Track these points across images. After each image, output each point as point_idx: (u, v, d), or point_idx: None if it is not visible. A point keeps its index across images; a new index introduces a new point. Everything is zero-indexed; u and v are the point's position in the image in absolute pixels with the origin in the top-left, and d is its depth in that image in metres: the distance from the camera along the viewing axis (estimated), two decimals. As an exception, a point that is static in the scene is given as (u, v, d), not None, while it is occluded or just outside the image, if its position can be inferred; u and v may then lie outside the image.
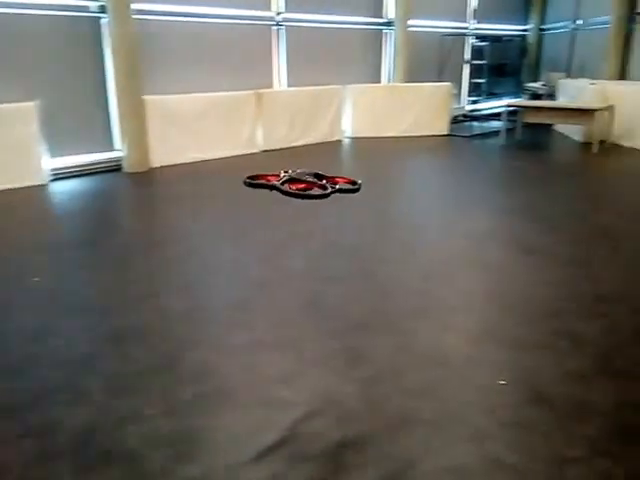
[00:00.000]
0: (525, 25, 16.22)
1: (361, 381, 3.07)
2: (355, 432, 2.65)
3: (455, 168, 9.42)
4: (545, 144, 11.50)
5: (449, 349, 3.43)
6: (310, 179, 6.78)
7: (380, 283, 4.52)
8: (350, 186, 6.70)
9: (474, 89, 15.11)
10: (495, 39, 15.10)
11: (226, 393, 3.00)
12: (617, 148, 10.19)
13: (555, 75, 14.21)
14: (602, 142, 10.04)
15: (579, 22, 14.40)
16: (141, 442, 2.60)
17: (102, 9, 8.40)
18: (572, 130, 11.39)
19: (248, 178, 6.73)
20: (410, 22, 12.45)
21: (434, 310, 4.01)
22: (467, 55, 15.03)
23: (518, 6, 15.98)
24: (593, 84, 11.45)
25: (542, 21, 16.00)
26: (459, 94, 14.66)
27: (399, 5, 12.30)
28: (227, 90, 9.87)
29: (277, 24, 11.13)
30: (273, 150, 10.29)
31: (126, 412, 2.82)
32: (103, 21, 8.52)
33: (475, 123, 13.76)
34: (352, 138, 11.74)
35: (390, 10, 12.69)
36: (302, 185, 6.68)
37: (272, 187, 6.50)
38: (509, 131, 11.05)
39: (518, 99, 14.17)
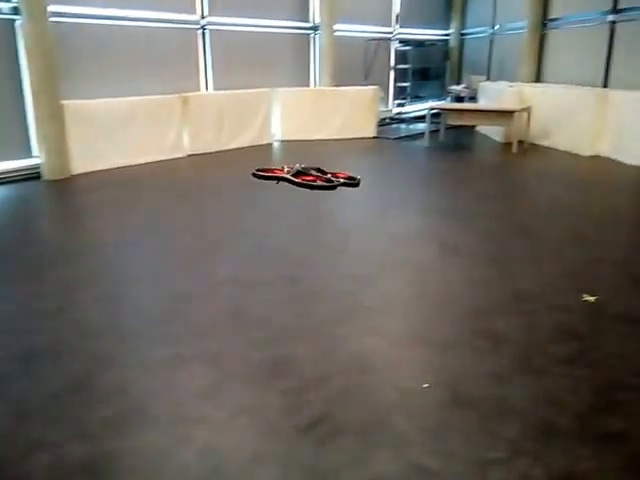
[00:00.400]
0: (447, 30, 16.71)
1: (285, 392, 3.01)
2: (278, 446, 2.59)
3: (381, 169, 9.55)
4: (467, 145, 11.86)
5: (374, 353, 3.44)
6: (315, 173, 7.19)
7: (306, 287, 4.49)
8: (351, 181, 7.15)
9: (400, 92, 15.41)
10: (418, 44, 15.47)
11: (143, 412, 2.87)
12: (535, 147, 10.65)
13: (476, 78, 14.71)
14: (521, 142, 10.47)
15: (497, 27, 14.97)
16: (48, 471, 2.43)
17: (15, 11, 7.98)
18: (493, 131, 11.82)
19: (257, 171, 7.14)
20: (336, 27, 12.55)
21: (360, 313, 4.01)
22: (392, 59, 15.30)
23: (439, 12, 16.43)
24: (511, 86, 11.94)
25: (463, 26, 16.54)
26: (386, 97, 14.91)
27: (324, 10, 12.38)
28: (152, 94, 9.62)
29: (202, 28, 10.97)
30: (200, 154, 10.09)
31: (33, 439, 2.64)
32: (18, 23, 8.08)
33: (402, 125, 14.03)
34: (282, 141, 11.70)
35: (316, 15, 12.75)
36: (310, 178, 7.11)
37: (284, 179, 6.86)
38: (434, 133, 11.32)
39: (442, 102, 14.59)
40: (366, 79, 13.45)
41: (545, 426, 2.72)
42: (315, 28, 12.80)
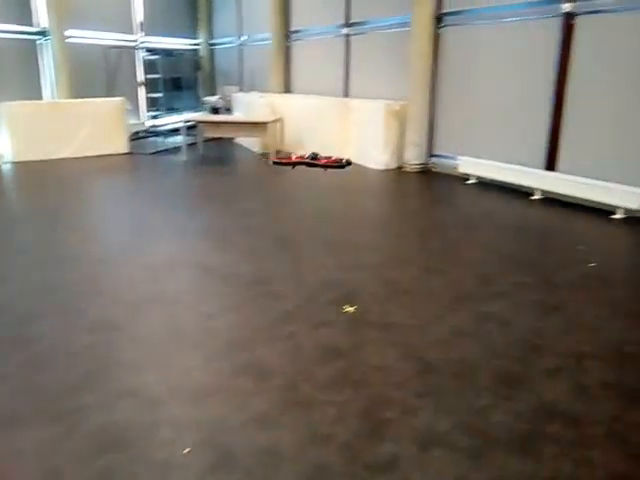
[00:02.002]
0: (195, 39, 16.41)
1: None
2: None
3: (134, 190, 8.77)
4: (226, 157, 11.68)
5: (126, 422, 2.86)
6: (323, 157, 9.52)
7: (40, 348, 3.66)
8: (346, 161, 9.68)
9: (152, 104, 14.67)
10: (167, 53, 14.90)
11: None
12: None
13: (229, 89, 14.69)
14: (278, 152, 10.62)
15: (244, 38, 15.13)
16: None
17: None
18: (251, 142, 11.84)
19: (277, 159, 9.70)
20: (68, 32, 11.32)
21: (107, 373, 3.36)
22: (140, 69, 14.49)
23: (186, 20, 16.08)
24: (262, 97, 12.09)
25: (211, 36, 16.40)
26: (136, 109, 14.04)
27: (51, 13, 11.06)
28: None
29: None
30: None
31: None
32: None
33: (158, 139, 13.32)
34: (14, 163, 10.12)
35: (43, 18, 11.35)
36: (323, 161, 9.42)
37: (302, 164, 9.29)
38: (192, 146, 10.90)
39: (198, 113, 14.24)
40: (111, 90, 12.43)
41: (315, 470, 2.49)
42: (43, 33, 11.38)
